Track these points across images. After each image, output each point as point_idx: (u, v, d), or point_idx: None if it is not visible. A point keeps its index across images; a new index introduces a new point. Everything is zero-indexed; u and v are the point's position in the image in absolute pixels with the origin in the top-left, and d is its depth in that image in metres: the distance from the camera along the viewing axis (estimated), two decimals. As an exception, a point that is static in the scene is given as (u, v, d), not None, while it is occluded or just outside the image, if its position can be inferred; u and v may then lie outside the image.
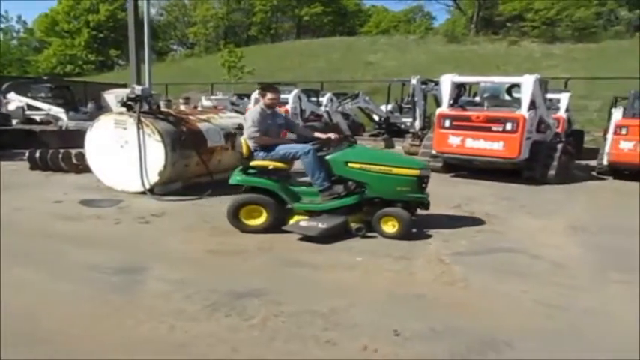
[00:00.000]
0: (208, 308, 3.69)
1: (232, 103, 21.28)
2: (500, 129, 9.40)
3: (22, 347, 3.11)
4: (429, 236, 5.75)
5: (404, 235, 5.51)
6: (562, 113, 13.28)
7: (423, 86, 15.12)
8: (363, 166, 5.68)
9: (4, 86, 19.22)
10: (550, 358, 3.14)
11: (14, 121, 16.26)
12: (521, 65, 25.67)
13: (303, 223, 5.58)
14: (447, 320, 3.58)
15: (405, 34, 43.92)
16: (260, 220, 5.74)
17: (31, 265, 4.60)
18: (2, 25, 61.16)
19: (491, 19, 39.03)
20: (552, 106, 13.33)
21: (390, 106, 19.77)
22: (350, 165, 5.72)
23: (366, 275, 4.52)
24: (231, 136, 8.63)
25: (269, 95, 6.06)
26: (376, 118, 19.49)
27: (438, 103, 11.84)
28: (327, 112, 17.29)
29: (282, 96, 16.16)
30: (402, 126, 18.62)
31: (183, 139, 7.65)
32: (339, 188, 5.75)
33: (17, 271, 4.40)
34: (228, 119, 9.04)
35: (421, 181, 5.74)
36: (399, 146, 15.04)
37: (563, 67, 26.40)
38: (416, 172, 5.70)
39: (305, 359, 3.05)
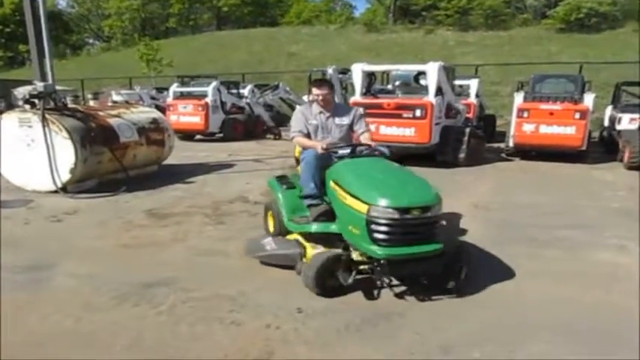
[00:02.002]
0: (117, 299, 3.75)
1: (152, 98, 20.95)
2: (411, 115, 9.80)
3: None
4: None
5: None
6: (473, 99, 13.89)
7: (341, 75, 15.40)
8: (334, 186, 4.11)
9: None
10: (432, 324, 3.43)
11: None
12: (437, 53, 26.35)
13: (263, 240, 4.59)
14: (349, 297, 3.81)
15: (326, 24, 44.02)
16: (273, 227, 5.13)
17: None
18: None
19: (408, 8, 39.86)
20: (463, 92, 13.97)
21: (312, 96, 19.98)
22: (331, 182, 4.22)
23: (277, 260, 4.67)
24: (146, 130, 8.55)
25: (314, 91, 4.94)
26: (299, 108, 19.60)
27: (355, 92, 12.10)
28: (249, 104, 17.32)
29: (202, 89, 16.18)
30: (325, 115, 18.86)
31: (93, 135, 7.52)
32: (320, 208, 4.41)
33: None
34: (140, 114, 8.90)
35: (375, 225, 3.60)
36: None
37: (477, 55, 27.44)
38: (362, 208, 3.67)
39: (208, 340, 3.18)
